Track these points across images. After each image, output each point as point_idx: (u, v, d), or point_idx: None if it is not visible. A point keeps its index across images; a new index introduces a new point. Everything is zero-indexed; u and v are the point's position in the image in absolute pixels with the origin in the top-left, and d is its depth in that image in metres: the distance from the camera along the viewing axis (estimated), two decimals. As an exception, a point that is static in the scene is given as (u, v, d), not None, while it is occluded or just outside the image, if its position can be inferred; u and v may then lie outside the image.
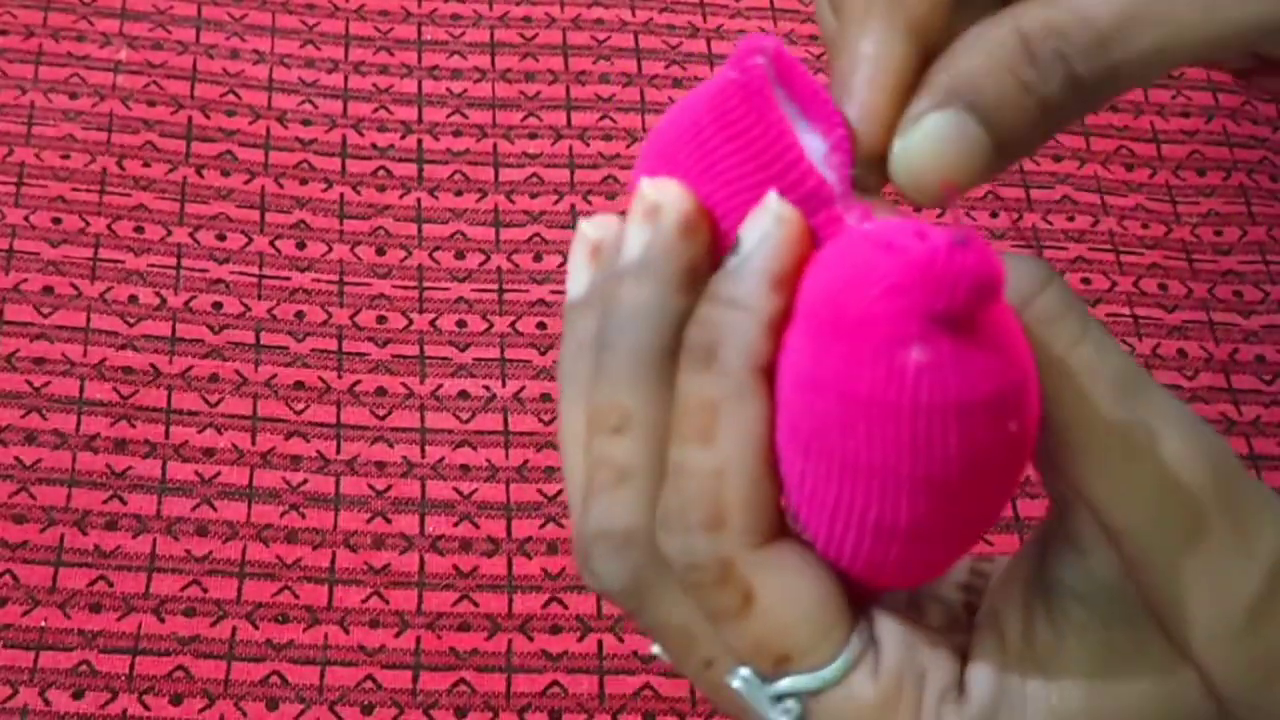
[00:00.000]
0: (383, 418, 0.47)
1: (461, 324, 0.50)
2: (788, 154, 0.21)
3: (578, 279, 0.23)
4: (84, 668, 0.42)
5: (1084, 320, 0.20)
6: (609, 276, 0.22)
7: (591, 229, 0.23)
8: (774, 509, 0.22)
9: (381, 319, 0.50)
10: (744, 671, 0.22)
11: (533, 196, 0.53)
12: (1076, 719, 0.21)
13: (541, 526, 0.46)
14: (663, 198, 0.21)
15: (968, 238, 0.18)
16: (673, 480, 0.21)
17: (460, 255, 0.52)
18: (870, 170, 0.22)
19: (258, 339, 0.49)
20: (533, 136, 0.55)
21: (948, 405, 0.19)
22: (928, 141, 0.21)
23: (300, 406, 0.47)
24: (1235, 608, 0.20)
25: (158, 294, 0.49)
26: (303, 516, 0.45)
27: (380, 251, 0.52)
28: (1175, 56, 0.22)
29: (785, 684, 0.21)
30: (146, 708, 0.42)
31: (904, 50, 0.22)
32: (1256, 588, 0.20)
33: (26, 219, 0.50)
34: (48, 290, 0.48)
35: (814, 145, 0.22)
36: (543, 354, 0.49)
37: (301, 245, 0.51)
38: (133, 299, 0.49)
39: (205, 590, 0.43)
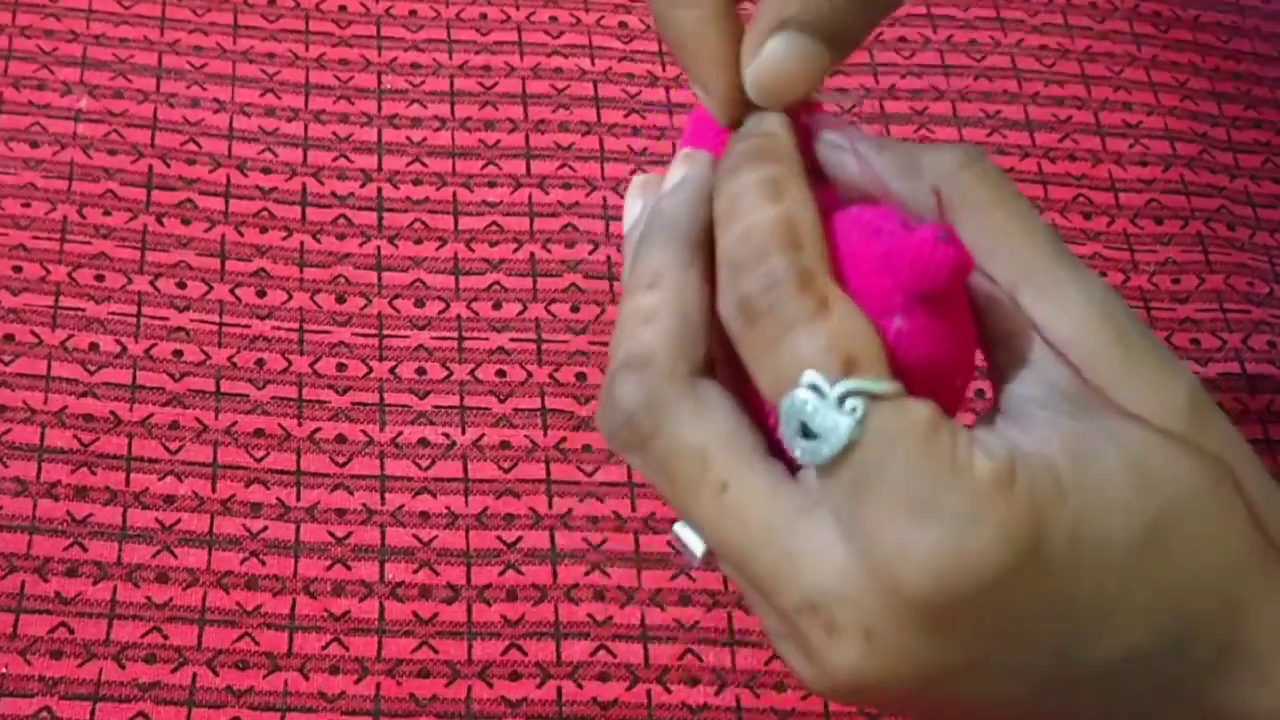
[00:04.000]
0: (343, 465, 0.50)
1: (421, 371, 0.52)
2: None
3: (631, 211, 0.29)
4: (44, 714, 0.44)
5: (1014, 184, 0.26)
6: (653, 201, 0.29)
7: (639, 178, 0.30)
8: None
9: (341, 366, 0.52)
10: (811, 374, 0.25)
11: (492, 245, 0.56)
12: (1070, 479, 0.24)
13: (501, 573, 0.48)
14: (696, 152, 0.29)
15: (948, 232, 0.24)
16: (739, 239, 0.26)
17: (420, 303, 0.54)
18: (735, 108, 0.29)
19: (218, 386, 0.51)
20: (492, 185, 0.57)
21: (915, 365, 0.25)
22: (770, 58, 0.28)
23: (260, 454, 0.50)
24: (1175, 409, 0.25)
25: (118, 341, 0.52)
26: (263, 563, 0.47)
27: (340, 299, 0.54)
28: None
29: (852, 383, 0.24)
30: (108, 752, 0.44)
31: (727, 25, 0.29)
32: (1185, 400, 0.25)
33: (-12, 267, 0.53)
34: (8, 338, 0.51)
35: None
36: (502, 401, 0.52)
37: (262, 293, 0.54)
38: (93, 346, 0.52)
39: (166, 637, 0.46)
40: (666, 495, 0.27)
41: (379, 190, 0.57)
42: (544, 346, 0.53)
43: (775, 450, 0.27)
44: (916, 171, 0.27)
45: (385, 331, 0.54)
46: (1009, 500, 0.24)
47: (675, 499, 0.26)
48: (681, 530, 0.28)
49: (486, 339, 0.54)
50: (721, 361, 0.28)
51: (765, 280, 0.25)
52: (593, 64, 0.61)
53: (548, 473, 0.51)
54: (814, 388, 0.24)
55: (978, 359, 0.28)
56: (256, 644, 0.46)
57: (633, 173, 0.56)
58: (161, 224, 0.55)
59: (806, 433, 0.25)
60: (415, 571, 0.48)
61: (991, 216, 0.26)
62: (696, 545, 0.27)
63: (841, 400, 0.24)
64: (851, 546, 0.24)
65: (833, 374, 0.24)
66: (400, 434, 0.51)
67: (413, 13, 0.62)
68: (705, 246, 0.28)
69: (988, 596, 0.23)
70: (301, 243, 0.55)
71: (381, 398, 0.52)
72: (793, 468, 0.27)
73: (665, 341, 0.26)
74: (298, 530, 0.48)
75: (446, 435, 0.51)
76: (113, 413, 0.50)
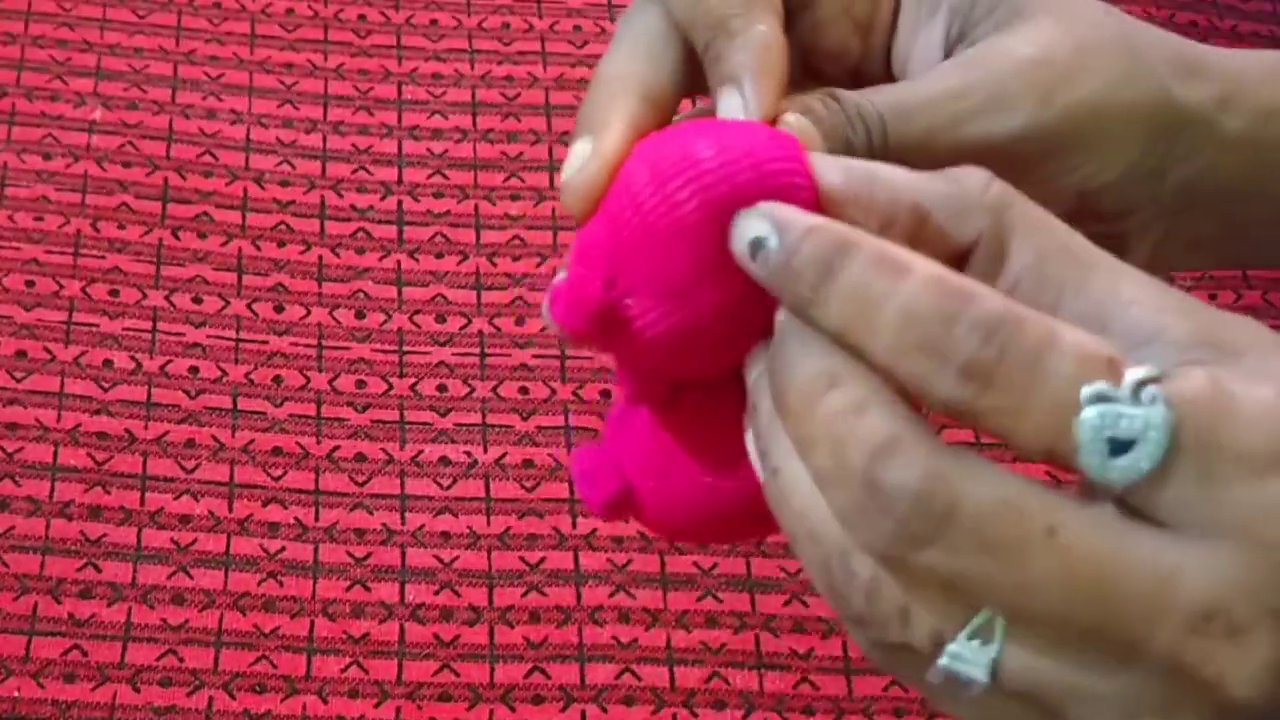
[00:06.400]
0: (362, 484, 0.50)
1: (442, 388, 0.52)
2: None
3: None
4: (57, 740, 0.43)
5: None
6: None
7: None
8: None
9: (361, 384, 0.52)
10: (1091, 387, 0.23)
11: (515, 259, 0.55)
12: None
13: (524, 595, 0.47)
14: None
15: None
16: (904, 325, 0.24)
17: (441, 319, 0.54)
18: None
19: (235, 404, 0.51)
20: (515, 198, 0.57)
21: None
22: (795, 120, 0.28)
23: (278, 473, 0.49)
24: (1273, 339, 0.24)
25: (133, 358, 0.51)
26: (280, 584, 0.47)
27: (360, 315, 0.54)
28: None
29: (1139, 372, 0.23)
30: (122, 782, 0.44)
31: (781, 43, 0.27)
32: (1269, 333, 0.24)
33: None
34: (21, 354, 0.51)
35: None
36: (525, 419, 0.51)
37: (279, 308, 0.54)
38: (107, 363, 0.51)
39: (181, 660, 0.45)
40: (983, 577, 0.24)
41: (399, 203, 0.57)
42: (568, 363, 0.53)
43: None
44: (955, 179, 0.26)
45: (405, 348, 0.53)
46: None
47: (1000, 573, 0.24)
48: (954, 656, 0.24)
49: (509, 355, 0.53)
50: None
51: (978, 334, 0.23)
52: (616, 74, 0.61)
53: (571, 492, 0.50)
54: (1101, 397, 0.23)
55: None
56: (274, 667, 0.46)
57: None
58: (177, 238, 0.55)
59: (1115, 449, 0.23)
60: (436, 593, 0.48)
61: (1044, 228, 0.25)
62: (979, 664, 0.24)
63: (1136, 395, 0.23)
64: (1216, 541, 0.23)
65: (1108, 378, 0.23)
66: (421, 452, 0.51)
67: (434, 22, 0.62)
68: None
69: None
70: (320, 257, 0.55)
71: (402, 415, 0.52)
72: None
73: (897, 419, 0.24)
74: (316, 551, 0.48)
75: (468, 453, 0.51)
76: (127, 430, 0.50)
